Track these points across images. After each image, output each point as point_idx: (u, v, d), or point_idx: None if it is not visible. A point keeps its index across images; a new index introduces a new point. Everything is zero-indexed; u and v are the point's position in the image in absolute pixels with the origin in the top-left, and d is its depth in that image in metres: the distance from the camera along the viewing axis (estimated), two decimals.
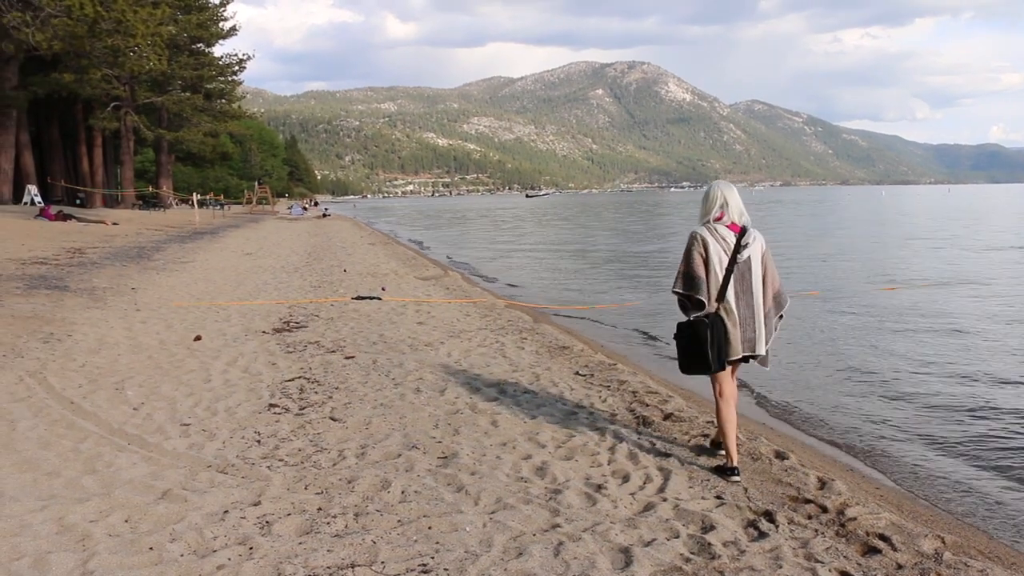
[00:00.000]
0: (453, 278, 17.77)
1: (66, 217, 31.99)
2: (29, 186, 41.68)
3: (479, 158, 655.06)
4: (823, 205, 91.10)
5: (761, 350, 5.23)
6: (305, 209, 76.92)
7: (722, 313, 5.15)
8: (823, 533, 4.22)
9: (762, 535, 4.18)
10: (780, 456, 5.52)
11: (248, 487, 4.78)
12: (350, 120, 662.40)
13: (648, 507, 4.55)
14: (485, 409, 6.67)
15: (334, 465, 5.24)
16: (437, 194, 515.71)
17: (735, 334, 5.15)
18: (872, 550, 4.04)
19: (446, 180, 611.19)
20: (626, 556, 3.89)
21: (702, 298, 5.16)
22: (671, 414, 6.58)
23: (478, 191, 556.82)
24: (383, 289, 14.93)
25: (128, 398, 6.93)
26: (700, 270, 5.16)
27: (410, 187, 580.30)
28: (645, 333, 11.98)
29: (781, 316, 5.40)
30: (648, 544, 4.03)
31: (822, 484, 4.97)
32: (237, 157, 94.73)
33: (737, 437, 5.37)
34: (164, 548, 3.93)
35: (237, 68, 64.61)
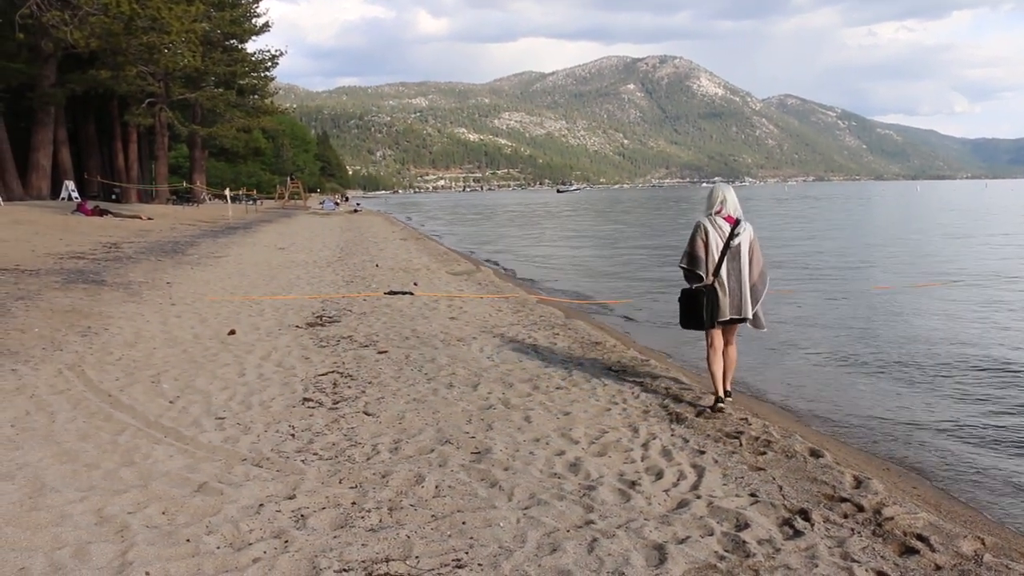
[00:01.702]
0: (485, 273, 17.78)
1: (102, 212, 32.38)
2: (66, 182, 42.27)
3: (510, 153, 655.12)
4: (858, 203, 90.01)
5: (748, 314, 6.73)
6: (337, 204, 77.32)
7: (716, 285, 6.68)
8: (859, 532, 4.18)
9: (797, 533, 4.14)
10: (815, 454, 5.47)
11: (283, 480, 4.82)
12: (381, 115, 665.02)
13: (682, 504, 4.53)
14: (518, 405, 6.67)
15: (368, 459, 5.27)
16: (468, 189, 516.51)
17: (725, 302, 6.69)
18: (910, 550, 3.99)
19: (477, 175, 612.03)
20: (660, 553, 3.87)
21: (701, 273, 6.69)
22: (704, 411, 6.54)
23: (509, 186, 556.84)
24: (415, 284, 14.97)
25: (164, 391, 7.01)
26: (701, 251, 6.69)
27: (441, 182, 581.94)
28: (678, 329, 11.90)
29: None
30: (682, 541, 4.01)
31: (858, 483, 4.92)
32: (269, 152, 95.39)
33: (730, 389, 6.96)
34: (201, 540, 3.97)
35: (270, 64, 64.97)
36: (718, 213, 6.72)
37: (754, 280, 6.75)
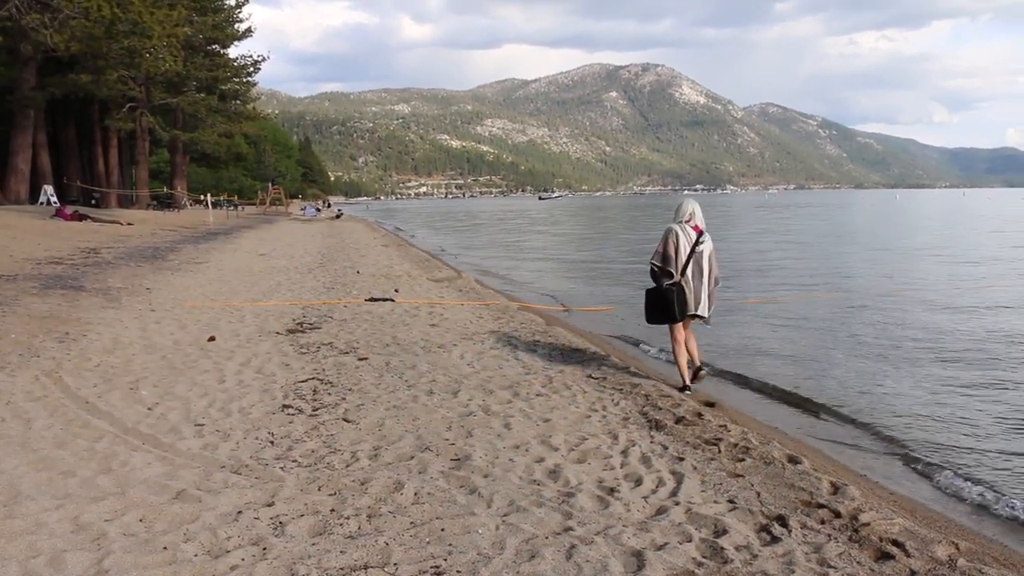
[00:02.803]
0: (466, 280, 17.78)
1: (82, 217, 32.17)
2: (45, 186, 41.89)
3: (492, 160, 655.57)
4: (842, 210, 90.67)
5: (705, 312, 7.88)
6: (318, 210, 77.11)
7: (683, 284, 7.76)
8: (836, 538, 4.21)
9: (775, 539, 4.17)
10: (793, 460, 5.50)
11: (262, 488, 4.81)
12: (364, 122, 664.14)
13: (661, 511, 4.55)
14: (498, 411, 6.68)
15: (347, 466, 5.26)
16: (450, 196, 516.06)
17: (690, 299, 7.77)
18: (885, 556, 4.03)
19: (459, 182, 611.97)
20: (638, 560, 3.89)
21: (672, 270, 7.77)
22: (683, 418, 6.57)
23: (491, 193, 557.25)
24: (396, 291, 14.96)
25: (142, 398, 6.97)
26: (672, 252, 7.77)
27: (423, 189, 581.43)
28: (659, 336, 11.94)
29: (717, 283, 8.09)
30: (661, 548, 4.03)
31: (835, 489, 4.96)
32: (251, 158, 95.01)
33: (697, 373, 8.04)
34: (178, 548, 3.95)
35: (252, 69, 64.78)
36: (687, 222, 7.85)
37: (711, 286, 7.93)
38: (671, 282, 7.74)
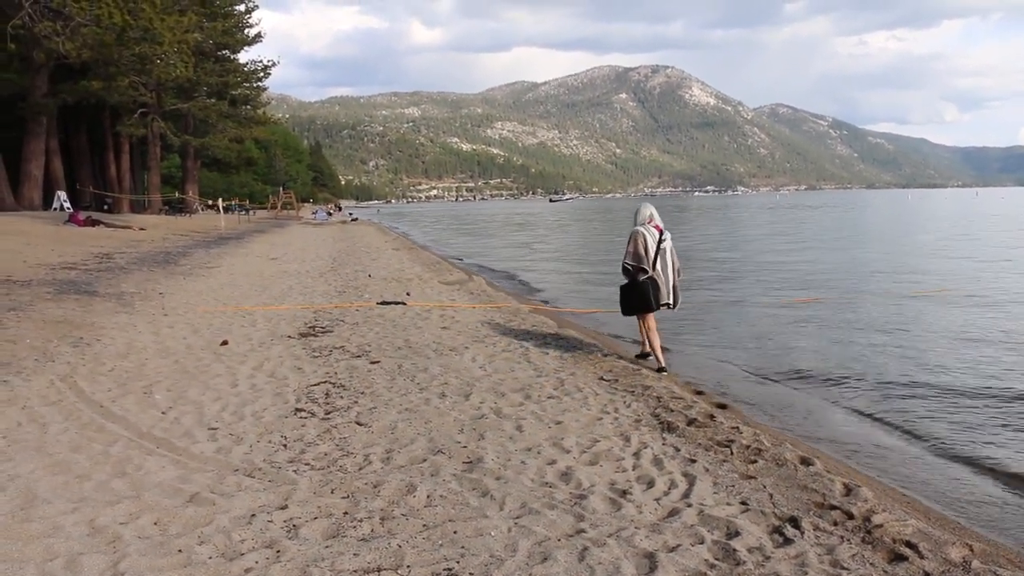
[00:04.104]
0: (477, 283, 17.79)
1: (94, 222, 32.31)
2: (58, 192, 42.12)
3: (503, 163, 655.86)
4: (864, 211, 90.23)
5: (669, 300, 9.06)
6: (330, 214, 77.29)
7: (655, 277, 8.93)
8: (849, 540, 4.20)
9: (787, 541, 4.17)
10: (805, 462, 5.50)
11: (275, 491, 4.83)
12: (374, 125, 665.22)
13: (673, 513, 4.55)
14: (510, 414, 6.69)
15: (360, 469, 5.28)
16: (461, 199, 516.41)
17: (663, 289, 8.97)
18: (899, 557, 4.02)
19: (470, 185, 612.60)
20: (651, 561, 3.89)
21: (645, 267, 8.91)
22: (695, 419, 6.57)
23: (502, 196, 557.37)
24: (408, 294, 14.98)
25: (156, 402, 7.01)
26: (642, 251, 8.94)
27: (434, 192, 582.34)
28: (669, 337, 11.93)
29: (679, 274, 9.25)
30: (673, 550, 4.03)
31: (848, 490, 4.95)
32: (262, 162, 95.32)
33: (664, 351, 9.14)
34: (193, 551, 3.98)
35: (262, 74, 65.00)
36: (649, 223, 9.12)
37: (675, 278, 9.12)
38: (645, 277, 8.92)
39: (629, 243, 9.05)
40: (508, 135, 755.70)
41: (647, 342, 9.29)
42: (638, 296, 8.97)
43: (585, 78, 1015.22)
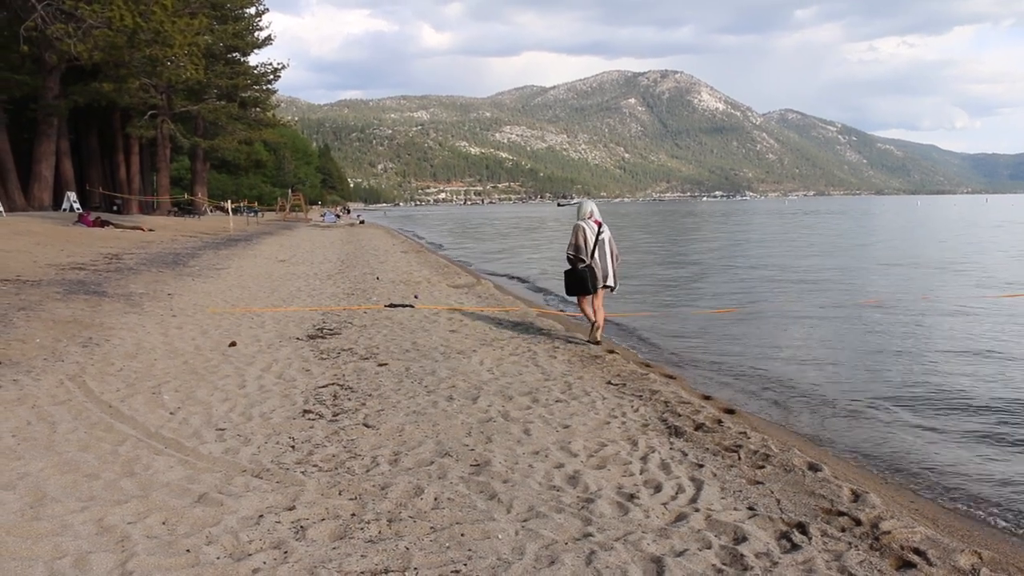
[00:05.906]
0: (485, 286, 17.79)
1: (104, 223, 32.45)
2: (68, 193, 42.34)
3: (511, 167, 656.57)
4: (876, 217, 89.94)
5: (611, 283, 10.50)
6: (338, 216, 77.43)
7: (593, 265, 10.30)
8: (857, 546, 4.19)
9: (795, 547, 4.16)
10: (813, 468, 5.48)
11: (283, 492, 4.84)
12: (383, 128, 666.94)
13: (680, 517, 4.55)
14: (518, 417, 6.69)
15: (367, 471, 5.28)
16: (469, 202, 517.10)
17: (599, 276, 10.33)
18: (907, 564, 4.00)
19: (478, 188, 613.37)
20: (658, 566, 3.89)
21: (584, 258, 10.30)
22: (703, 424, 6.56)
23: (510, 199, 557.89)
24: (416, 297, 15.00)
25: (165, 402, 7.03)
26: (582, 243, 10.33)
27: (442, 195, 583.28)
28: (677, 342, 11.92)
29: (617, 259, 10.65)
30: (680, 554, 4.02)
31: (856, 496, 4.93)
32: (271, 165, 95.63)
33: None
34: (200, 551, 3.99)
35: (272, 77, 65.27)
36: (589, 218, 10.47)
37: (614, 263, 10.50)
38: (584, 265, 10.29)
39: (572, 236, 10.47)
40: (517, 139, 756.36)
41: (592, 321, 10.54)
42: (578, 281, 10.39)
43: (594, 82, 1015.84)
